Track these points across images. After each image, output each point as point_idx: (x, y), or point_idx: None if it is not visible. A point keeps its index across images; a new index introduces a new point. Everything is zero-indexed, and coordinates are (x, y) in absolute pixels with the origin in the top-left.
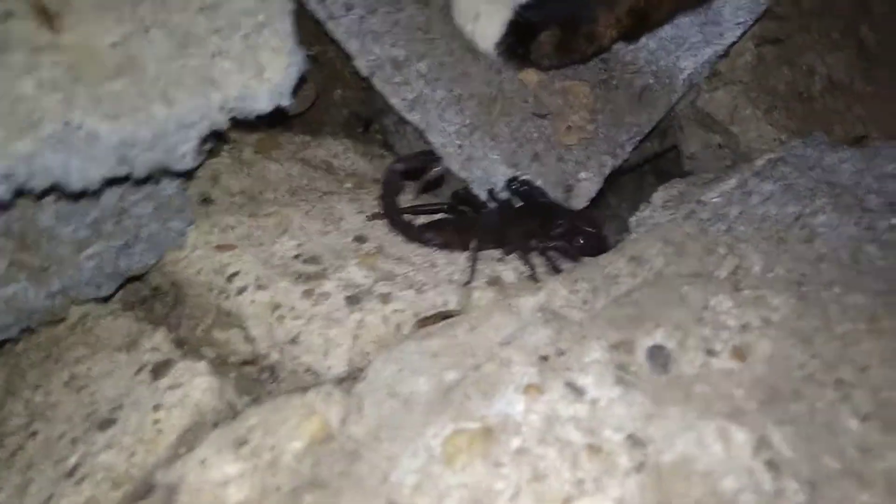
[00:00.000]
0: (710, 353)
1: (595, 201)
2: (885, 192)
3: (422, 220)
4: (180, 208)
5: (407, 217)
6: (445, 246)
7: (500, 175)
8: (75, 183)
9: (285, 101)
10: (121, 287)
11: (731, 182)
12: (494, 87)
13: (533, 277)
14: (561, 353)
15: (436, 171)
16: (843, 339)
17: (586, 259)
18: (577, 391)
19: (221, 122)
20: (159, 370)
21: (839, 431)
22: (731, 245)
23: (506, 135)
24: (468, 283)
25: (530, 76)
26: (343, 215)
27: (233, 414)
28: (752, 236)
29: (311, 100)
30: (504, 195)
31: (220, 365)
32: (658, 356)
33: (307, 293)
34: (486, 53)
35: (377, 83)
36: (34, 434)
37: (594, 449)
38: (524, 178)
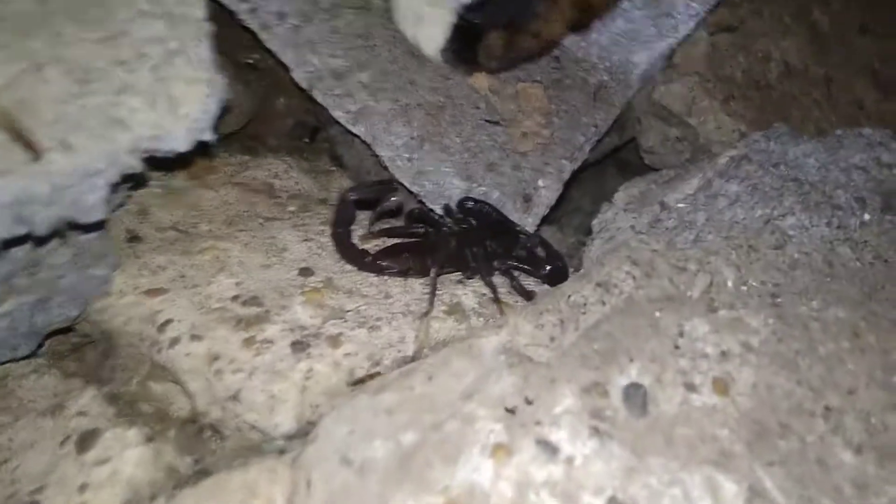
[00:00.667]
0: (690, 387)
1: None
2: (852, 186)
3: (374, 245)
4: (101, 253)
5: (361, 245)
6: (403, 273)
7: (453, 188)
8: None
9: (207, 136)
10: (47, 338)
11: (694, 182)
12: (442, 94)
13: (496, 300)
14: (529, 402)
15: (393, 200)
16: (826, 362)
17: (551, 287)
18: (549, 449)
19: (134, 165)
20: (86, 441)
21: (833, 467)
22: (701, 260)
23: (457, 145)
24: (427, 313)
25: (480, 80)
26: (286, 244)
27: (173, 482)
28: (721, 247)
29: (248, 115)
30: (459, 215)
31: (158, 422)
32: (635, 396)
33: (248, 342)
34: (432, 59)
35: (318, 96)
36: None
37: None
38: (478, 197)
